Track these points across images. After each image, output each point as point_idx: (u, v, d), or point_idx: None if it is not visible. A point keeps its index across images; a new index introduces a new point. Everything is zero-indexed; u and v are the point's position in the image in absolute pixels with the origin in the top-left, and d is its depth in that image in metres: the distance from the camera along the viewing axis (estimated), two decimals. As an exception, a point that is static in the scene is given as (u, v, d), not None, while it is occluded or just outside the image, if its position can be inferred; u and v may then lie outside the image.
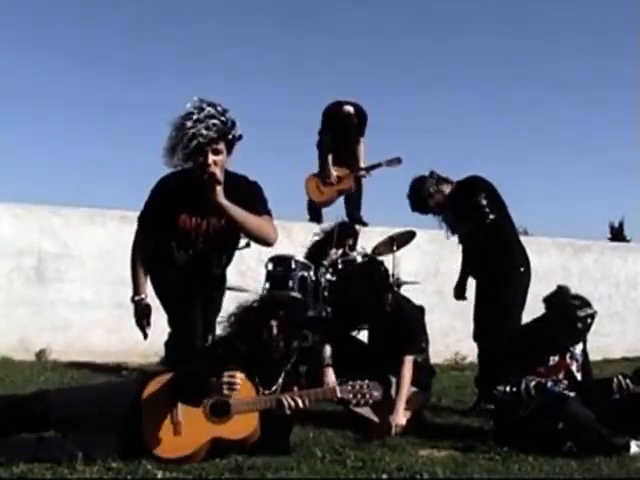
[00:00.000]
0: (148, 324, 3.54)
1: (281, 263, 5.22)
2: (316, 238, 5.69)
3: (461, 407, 4.70)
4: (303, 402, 3.11)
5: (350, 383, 3.20)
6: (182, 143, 3.29)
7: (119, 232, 6.69)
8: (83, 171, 31.97)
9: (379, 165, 7.32)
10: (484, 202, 4.55)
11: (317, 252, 5.44)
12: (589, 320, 3.67)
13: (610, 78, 38.22)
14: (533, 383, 3.57)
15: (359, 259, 5.20)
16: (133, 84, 34.62)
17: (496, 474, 3.02)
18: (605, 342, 7.90)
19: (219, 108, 3.34)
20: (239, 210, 3.36)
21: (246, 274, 6.73)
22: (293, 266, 5.16)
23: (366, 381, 3.21)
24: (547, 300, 3.81)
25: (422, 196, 4.75)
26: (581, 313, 3.64)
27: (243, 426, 3.06)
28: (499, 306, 4.62)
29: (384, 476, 2.86)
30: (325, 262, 5.34)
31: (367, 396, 3.16)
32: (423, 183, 4.75)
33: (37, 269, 6.83)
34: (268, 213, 3.53)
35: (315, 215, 7.61)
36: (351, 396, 3.16)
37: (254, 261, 6.52)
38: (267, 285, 5.18)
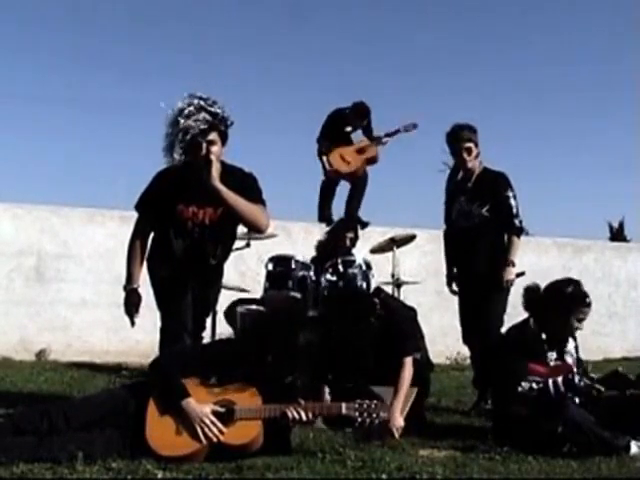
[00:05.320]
0: (137, 311, 3.67)
1: (281, 263, 5.22)
2: (320, 239, 5.67)
3: (461, 407, 4.71)
4: (307, 415, 3.10)
5: (357, 401, 3.16)
6: (178, 139, 3.47)
7: (119, 232, 6.68)
8: (83, 171, 31.99)
9: (398, 131, 7.39)
10: (513, 203, 4.63)
11: (323, 254, 5.44)
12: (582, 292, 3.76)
13: (610, 78, 38.25)
14: (560, 378, 3.59)
15: (359, 260, 5.19)
16: (133, 85, 34.63)
17: (496, 474, 3.02)
18: (605, 342, 7.93)
19: (209, 100, 3.52)
20: (232, 194, 3.54)
21: (246, 274, 6.74)
22: (293, 266, 5.15)
23: (374, 401, 3.19)
24: (533, 299, 3.84)
25: (469, 135, 4.69)
26: (569, 288, 3.79)
27: (245, 433, 3.04)
28: (493, 307, 4.61)
29: (384, 476, 2.86)
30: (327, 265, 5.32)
31: (373, 415, 3.13)
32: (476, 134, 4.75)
33: (37, 269, 6.84)
34: (262, 202, 3.68)
35: (325, 200, 7.51)
36: (357, 414, 3.13)
37: (254, 261, 6.53)
38: (267, 285, 5.17)
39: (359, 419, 3.13)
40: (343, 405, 3.17)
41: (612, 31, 36.23)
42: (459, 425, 4.13)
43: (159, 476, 2.73)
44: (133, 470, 2.78)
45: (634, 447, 3.40)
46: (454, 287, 4.89)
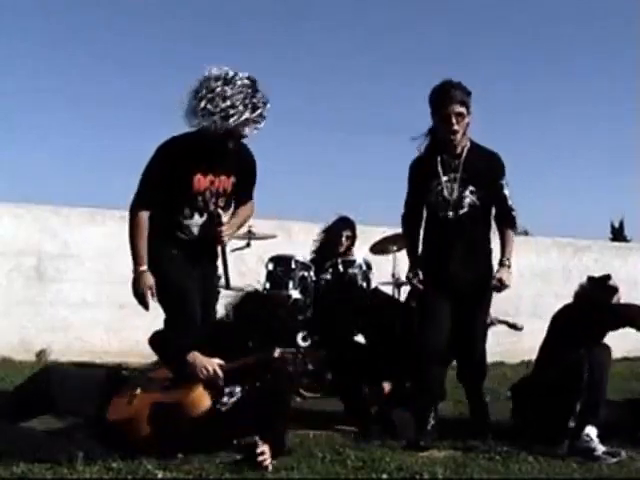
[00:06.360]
0: (153, 294, 3.45)
1: (281, 263, 5.22)
2: (317, 239, 5.66)
3: (461, 407, 4.70)
4: (240, 366, 3.11)
5: (291, 350, 3.20)
6: (221, 111, 3.31)
7: (119, 232, 6.63)
8: (83, 171, 32.00)
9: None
10: (507, 193, 3.81)
11: (321, 254, 5.44)
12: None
13: (611, 77, 38.25)
14: None
15: (359, 260, 5.19)
16: (133, 83, 34.60)
17: (496, 474, 3.02)
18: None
19: (265, 99, 3.42)
20: (237, 224, 3.67)
21: (246, 274, 6.72)
22: (293, 266, 5.16)
23: (307, 351, 3.26)
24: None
25: (461, 97, 3.68)
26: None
27: (183, 392, 3.08)
28: (481, 317, 3.84)
29: (384, 476, 2.86)
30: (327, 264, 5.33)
31: (304, 364, 3.15)
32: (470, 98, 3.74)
33: (37, 269, 6.83)
34: (252, 194, 3.75)
35: None
36: (288, 361, 3.15)
37: (254, 261, 6.53)
38: (267, 285, 5.18)
39: (290, 367, 3.15)
40: (277, 350, 3.16)
41: (614, 27, 36.22)
42: (459, 425, 4.13)
43: (159, 476, 2.74)
44: (133, 470, 2.78)
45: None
46: (416, 281, 3.73)
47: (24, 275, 6.81)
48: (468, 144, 3.77)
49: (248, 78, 3.40)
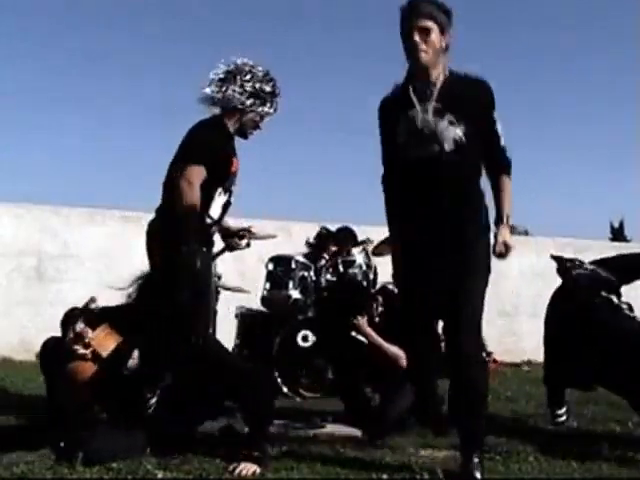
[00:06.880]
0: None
1: (281, 263, 5.23)
2: (314, 237, 5.65)
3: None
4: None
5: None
6: (257, 99, 3.53)
7: (119, 232, 6.70)
8: (83, 171, 32.07)
9: None
10: (500, 129, 2.96)
11: (317, 248, 5.45)
12: None
13: (611, 77, 38.33)
14: None
15: (359, 260, 5.19)
16: (133, 83, 34.63)
17: (496, 474, 3.02)
18: None
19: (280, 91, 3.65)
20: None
21: (246, 274, 6.73)
22: (293, 266, 5.17)
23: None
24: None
25: (429, 9, 2.84)
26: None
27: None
28: (474, 288, 2.85)
29: (384, 476, 2.86)
30: (323, 261, 5.33)
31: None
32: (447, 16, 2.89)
33: (37, 269, 6.84)
34: None
35: None
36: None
37: (254, 261, 6.53)
38: (267, 285, 5.18)
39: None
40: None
41: (614, 27, 36.24)
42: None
43: (159, 476, 2.74)
44: (133, 470, 2.79)
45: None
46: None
47: (24, 275, 6.82)
48: (446, 73, 2.92)
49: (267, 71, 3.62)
